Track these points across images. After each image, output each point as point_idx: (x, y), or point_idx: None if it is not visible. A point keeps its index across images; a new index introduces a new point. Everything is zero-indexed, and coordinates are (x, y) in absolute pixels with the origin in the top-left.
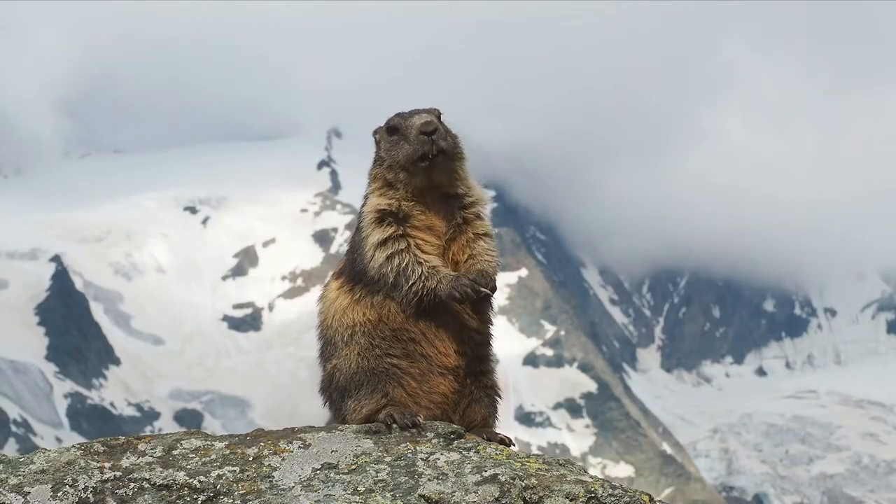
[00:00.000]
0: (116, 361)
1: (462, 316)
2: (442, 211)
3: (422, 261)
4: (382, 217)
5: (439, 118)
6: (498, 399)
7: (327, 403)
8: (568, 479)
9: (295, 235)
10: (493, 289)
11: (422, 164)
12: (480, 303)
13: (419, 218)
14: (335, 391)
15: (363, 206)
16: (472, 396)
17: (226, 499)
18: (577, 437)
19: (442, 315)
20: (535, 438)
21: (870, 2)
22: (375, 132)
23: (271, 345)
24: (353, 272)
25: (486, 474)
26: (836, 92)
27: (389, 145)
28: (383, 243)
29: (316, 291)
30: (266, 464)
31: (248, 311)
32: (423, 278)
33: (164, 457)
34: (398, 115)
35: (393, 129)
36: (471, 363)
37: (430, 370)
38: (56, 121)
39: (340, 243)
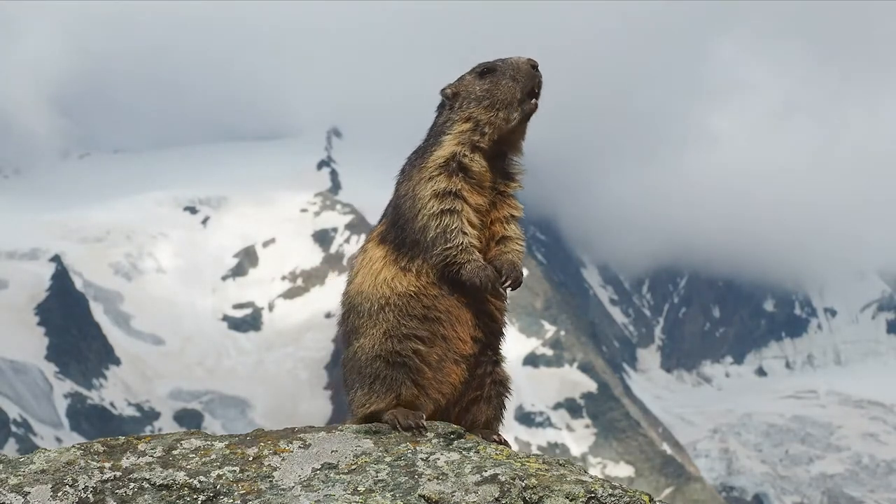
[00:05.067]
0: (116, 361)
1: (482, 300)
2: (492, 172)
3: (467, 231)
4: (449, 167)
5: None
6: (506, 398)
7: (346, 378)
8: (568, 479)
9: (295, 235)
10: (519, 283)
11: (530, 102)
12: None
13: (477, 170)
14: (354, 372)
15: (432, 148)
16: (482, 391)
17: (226, 499)
18: (577, 437)
19: (466, 295)
20: (535, 438)
21: (870, 2)
22: (446, 88)
23: (271, 345)
24: (398, 230)
25: (486, 474)
26: (835, 92)
27: (489, 85)
28: (444, 194)
29: (316, 291)
30: (266, 464)
31: (248, 311)
32: (459, 248)
33: (164, 457)
34: (482, 63)
35: (489, 71)
36: (483, 351)
37: (447, 356)
38: (56, 121)
39: (340, 243)
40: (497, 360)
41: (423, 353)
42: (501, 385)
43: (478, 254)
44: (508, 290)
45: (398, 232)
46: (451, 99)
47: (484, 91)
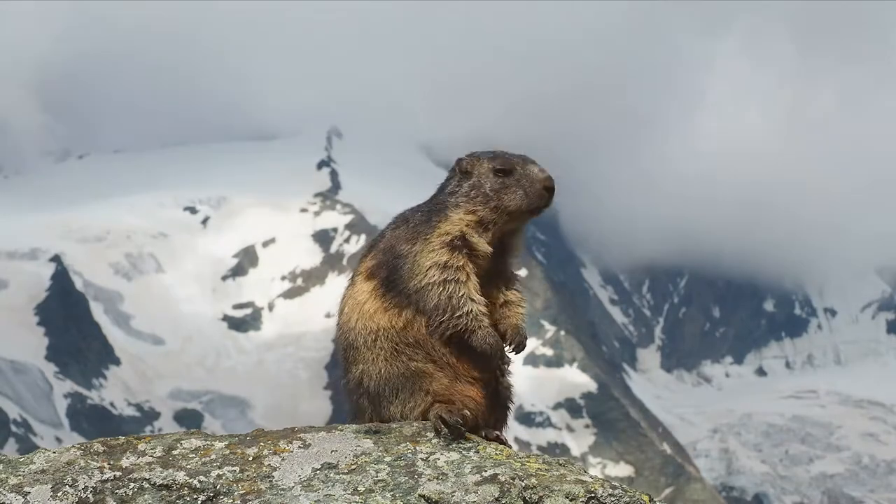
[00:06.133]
0: (116, 361)
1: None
2: (495, 252)
3: (475, 299)
4: (454, 244)
5: None
6: (511, 402)
7: (354, 405)
8: (568, 479)
9: (295, 235)
10: (522, 347)
11: (531, 216)
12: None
13: (482, 250)
14: (364, 395)
15: (437, 218)
16: (493, 398)
17: (226, 499)
18: (577, 437)
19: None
20: (535, 438)
21: (870, 2)
22: (463, 161)
23: (271, 345)
24: (390, 277)
25: (486, 474)
26: (836, 94)
27: (498, 186)
28: (445, 267)
29: (316, 291)
30: (266, 464)
31: (248, 311)
32: (469, 316)
33: (164, 457)
34: (506, 155)
35: (506, 172)
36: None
37: (458, 378)
38: (56, 121)
39: (340, 243)
40: (504, 372)
41: (431, 370)
42: (506, 389)
43: (487, 321)
44: (513, 354)
45: (394, 281)
46: (463, 174)
47: (493, 191)
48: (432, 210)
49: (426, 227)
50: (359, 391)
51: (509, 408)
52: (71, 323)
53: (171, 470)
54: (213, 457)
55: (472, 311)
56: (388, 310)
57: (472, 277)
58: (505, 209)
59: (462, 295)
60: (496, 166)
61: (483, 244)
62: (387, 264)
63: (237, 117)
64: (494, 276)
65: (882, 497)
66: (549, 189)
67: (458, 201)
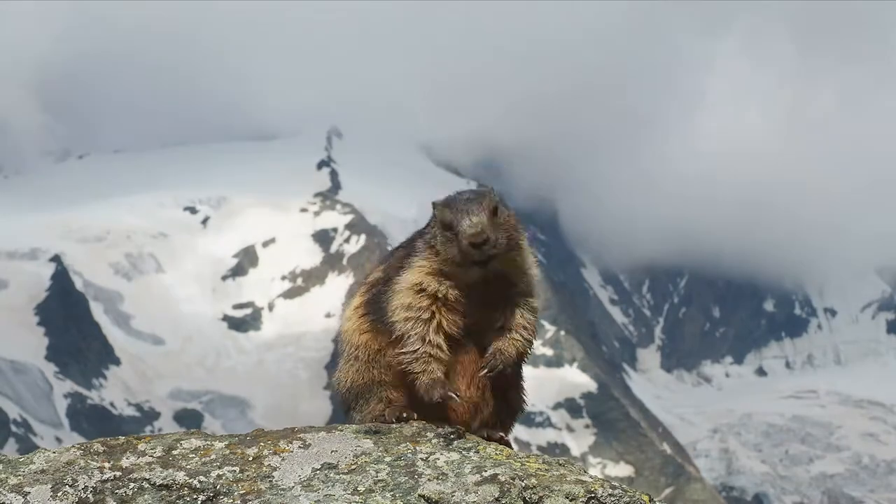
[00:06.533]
0: (116, 361)
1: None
2: (483, 288)
3: (428, 339)
4: (418, 289)
5: (494, 209)
6: (520, 411)
7: (342, 405)
8: (568, 479)
9: (295, 235)
10: (496, 371)
11: (475, 267)
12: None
13: (445, 295)
14: (340, 397)
15: (411, 259)
16: (492, 405)
17: (226, 499)
18: (577, 437)
19: (460, 353)
20: (535, 438)
21: (869, 2)
22: (435, 206)
23: (271, 345)
24: (374, 300)
25: (485, 474)
26: (836, 94)
27: (444, 239)
28: (408, 307)
29: (316, 291)
30: (266, 464)
31: (248, 311)
32: (413, 356)
33: (163, 457)
34: (453, 205)
35: (446, 227)
36: (491, 386)
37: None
38: (55, 121)
39: (340, 243)
40: (506, 386)
41: (397, 383)
42: (511, 401)
43: (434, 364)
44: (488, 376)
45: (376, 305)
46: (433, 220)
47: (441, 244)
48: (413, 248)
49: (407, 262)
50: (338, 391)
51: (518, 412)
52: (71, 323)
53: (171, 470)
54: (213, 457)
55: (417, 350)
56: (364, 332)
57: (437, 317)
58: (451, 262)
59: (415, 334)
60: (442, 221)
61: (447, 290)
62: (378, 284)
63: (237, 117)
64: (498, 302)
65: (882, 497)
66: (474, 244)
67: (422, 247)
